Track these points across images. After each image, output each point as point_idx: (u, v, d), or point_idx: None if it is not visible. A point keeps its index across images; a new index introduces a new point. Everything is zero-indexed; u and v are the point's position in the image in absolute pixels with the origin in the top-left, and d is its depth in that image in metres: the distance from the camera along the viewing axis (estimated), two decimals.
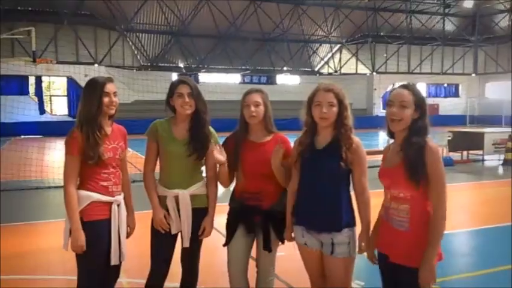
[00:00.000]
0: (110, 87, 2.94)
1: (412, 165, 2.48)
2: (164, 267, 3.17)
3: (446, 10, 35.91)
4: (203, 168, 3.28)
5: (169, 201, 3.10)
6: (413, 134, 2.56)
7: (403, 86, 2.64)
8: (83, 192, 2.88)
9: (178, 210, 3.11)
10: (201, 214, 3.15)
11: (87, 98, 2.92)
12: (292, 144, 3.11)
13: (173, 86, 3.15)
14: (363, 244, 2.82)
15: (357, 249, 2.85)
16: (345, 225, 2.79)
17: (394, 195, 2.61)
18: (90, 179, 2.91)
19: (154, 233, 3.17)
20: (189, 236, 3.12)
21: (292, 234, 3.01)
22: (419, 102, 2.57)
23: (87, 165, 2.88)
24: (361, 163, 2.81)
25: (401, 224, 2.57)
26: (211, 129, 3.24)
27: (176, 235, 3.17)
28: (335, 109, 2.78)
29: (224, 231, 3.22)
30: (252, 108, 3.06)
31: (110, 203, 2.94)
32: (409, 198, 2.54)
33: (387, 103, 2.64)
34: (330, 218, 2.78)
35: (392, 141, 2.78)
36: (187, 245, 3.12)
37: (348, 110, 2.82)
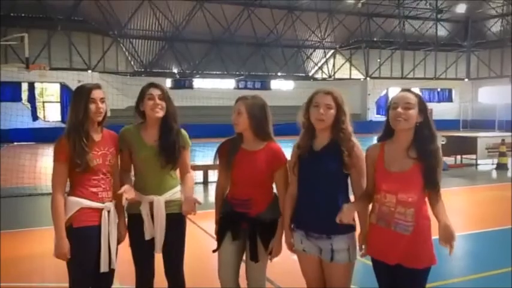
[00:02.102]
0: (96, 94, 2.91)
1: (430, 176, 2.56)
2: (147, 271, 3.16)
3: (439, 15, 36.22)
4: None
5: (144, 207, 3.05)
6: (425, 141, 2.60)
7: (406, 90, 2.70)
8: (73, 199, 2.87)
9: (152, 216, 3.07)
10: (176, 220, 3.11)
11: (74, 105, 2.91)
12: (284, 154, 3.07)
13: (143, 89, 3.13)
14: (363, 246, 2.81)
15: (357, 253, 2.82)
16: (344, 230, 2.75)
17: (402, 200, 2.60)
18: (80, 185, 2.89)
19: (131, 238, 3.16)
20: (162, 243, 3.08)
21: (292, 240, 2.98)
22: (422, 106, 2.63)
23: (76, 172, 2.86)
24: (359, 166, 2.78)
25: (407, 228, 2.59)
26: (184, 132, 3.21)
27: (153, 240, 3.12)
28: (332, 111, 2.75)
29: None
30: (234, 116, 3.03)
31: (100, 210, 2.92)
32: (415, 202, 2.58)
33: (392, 106, 2.65)
34: (328, 221, 2.71)
35: (375, 142, 2.81)
36: (159, 251, 3.09)
37: (346, 115, 2.78)
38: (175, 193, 3.14)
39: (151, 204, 3.06)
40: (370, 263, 2.85)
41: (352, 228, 2.81)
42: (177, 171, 3.24)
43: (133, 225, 3.13)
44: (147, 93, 3.08)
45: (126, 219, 3.20)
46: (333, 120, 2.76)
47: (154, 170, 3.09)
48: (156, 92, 3.08)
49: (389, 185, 2.65)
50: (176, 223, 3.12)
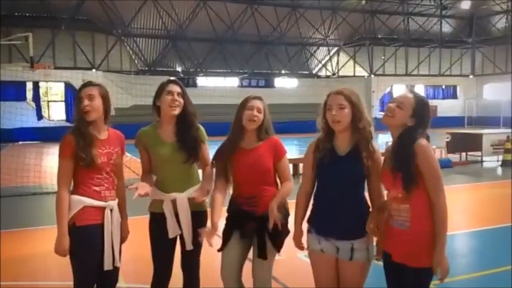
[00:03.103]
0: (83, 92, 2.94)
1: (403, 174, 2.53)
2: (166, 270, 3.16)
3: (444, 12, 36.08)
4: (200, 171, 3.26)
5: (166, 205, 3.06)
6: (402, 142, 2.59)
7: (411, 91, 2.72)
8: (76, 197, 2.89)
9: (176, 215, 3.08)
10: (198, 218, 3.12)
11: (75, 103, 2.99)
12: (284, 146, 3.09)
13: (162, 85, 3.15)
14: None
15: (374, 256, 2.81)
16: (365, 232, 2.75)
17: (394, 196, 2.63)
18: (83, 183, 2.91)
19: (153, 237, 3.16)
20: (191, 238, 3.09)
21: (303, 241, 2.95)
22: (418, 112, 2.61)
23: (80, 169, 2.88)
24: (378, 169, 2.77)
25: (403, 223, 2.59)
26: (200, 126, 3.22)
27: (175, 239, 3.14)
28: (347, 111, 2.71)
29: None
30: (255, 113, 3.04)
31: (102, 208, 2.93)
32: (409, 198, 2.56)
33: (390, 100, 2.72)
34: (351, 224, 2.73)
35: (386, 137, 2.82)
36: (190, 247, 3.09)
37: (362, 113, 2.74)
38: (196, 190, 3.13)
39: (173, 202, 3.07)
40: (376, 262, 2.84)
41: None
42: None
43: (156, 224, 3.13)
44: (166, 89, 3.10)
45: (148, 218, 3.20)
46: (351, 119, 2.72)
47: (175, 166, 3.10)
48: (175, 89, 3.10)
49: (385, 182, 2.70)
50: (197, 221, 3.11)
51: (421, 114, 2.61)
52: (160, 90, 3.12)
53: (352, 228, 2.74)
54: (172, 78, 3.25)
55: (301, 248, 2.97)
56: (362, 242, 2.74)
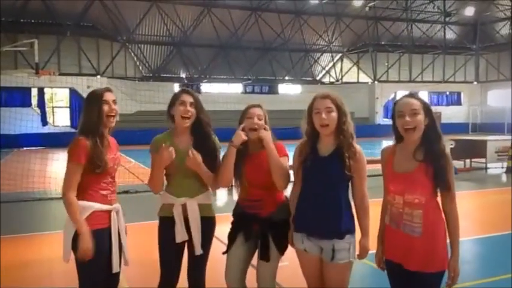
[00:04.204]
0: (108, 96, 2.96)
1: (440, 175, 2.55)
2: (173, 275, 3.16)
3: (447, 18, 36.11)
4: None
5: (176, 209, 3.08)
6: (431, 142, 2.60)
7: (409, 95, 2.68)
8: (84, 203, 2.87)
9: (184, 220, 3.09)
10: (206, 224, 3.14)
11: (88, 109, 2.94)
12: (285, 147, 3.13)
13: (176, 95, 3.18)
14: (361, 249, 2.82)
15: (356, 254, 2.84)
16: (346, 232, 2.80)
17: (409, 201, 2.61)
18: (90, 188, 2.90)
19: (161, 242, 3.17)
20: (200, 244, 3.09)
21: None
22: (426, 108, 2.62)
23: (87, 174, 2.87)
24: (362, 171, 2.84)
25: (415, 229, 2.59)
26: (216, 139, 3.24)
27: (183, 246, 3.15)
28: (334, 114, 2.80)
29: (226, 240, 3.23)
30: (256, 120, 3.08)
31: (109, 211, 2.96)
32: (423, 203, 2.57)
33: (397, 114, 2.62)
34: (331, 224, 2.78)
35: (390, 143, 2.82)
36: (199, 252, 3.10)
37: (347, 116, 2.84)
38: (206, 197, 3.17)
39: (183, 206, 3.08)
40: (370, 263, 2.84)
41: (353, 229, 2.84)
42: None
43: (165, 228, 3.15)
44: (180, 99, 3.12)
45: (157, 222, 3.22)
46: (336, 122, 2.80)
47: (188, 173, 3.10)
48: (187, 99, 3.12)
49: (396, 186, 2.67)
50: (206, 226, 3.14)
51: (428, 109, 2.61)
52: (174, 100, 3.15)
53: (333, 228, 2.77)
54: (185, 88, 3.28)
55: (291, 244, 3.04)
56: (343, 242, 2.78)
